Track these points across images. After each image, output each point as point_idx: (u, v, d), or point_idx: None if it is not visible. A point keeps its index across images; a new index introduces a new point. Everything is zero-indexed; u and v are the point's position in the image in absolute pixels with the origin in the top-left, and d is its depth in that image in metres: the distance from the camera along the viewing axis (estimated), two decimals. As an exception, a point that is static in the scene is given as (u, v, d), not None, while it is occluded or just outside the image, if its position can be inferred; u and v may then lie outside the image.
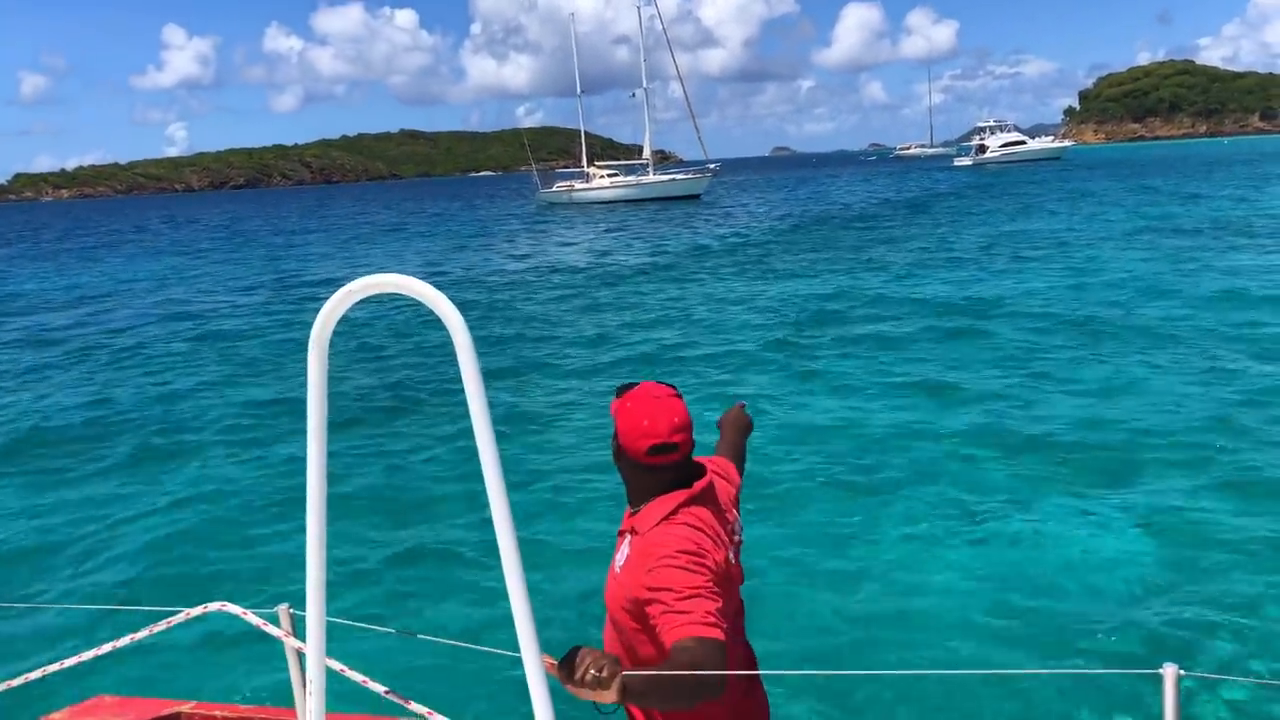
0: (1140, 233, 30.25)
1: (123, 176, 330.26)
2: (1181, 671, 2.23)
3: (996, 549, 7.40)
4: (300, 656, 3.13)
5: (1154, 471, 8.84)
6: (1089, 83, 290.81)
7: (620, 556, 2.49)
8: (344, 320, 1.66)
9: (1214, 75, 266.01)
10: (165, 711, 3.86)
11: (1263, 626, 5.94)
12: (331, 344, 1.68)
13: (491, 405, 1.64)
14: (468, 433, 1.68)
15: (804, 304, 20.10)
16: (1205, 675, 5.26)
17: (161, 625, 3.33)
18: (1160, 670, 2.22)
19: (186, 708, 3.91)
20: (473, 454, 1.62)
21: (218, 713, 3.89)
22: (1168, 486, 8.44)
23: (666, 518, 2.41)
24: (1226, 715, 5.15)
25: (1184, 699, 2.22)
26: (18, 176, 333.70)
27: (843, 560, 7.32)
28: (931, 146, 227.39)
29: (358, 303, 1.64)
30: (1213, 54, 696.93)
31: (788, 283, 23.75)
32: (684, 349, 16.14)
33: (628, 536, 2.50)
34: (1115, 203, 44.20)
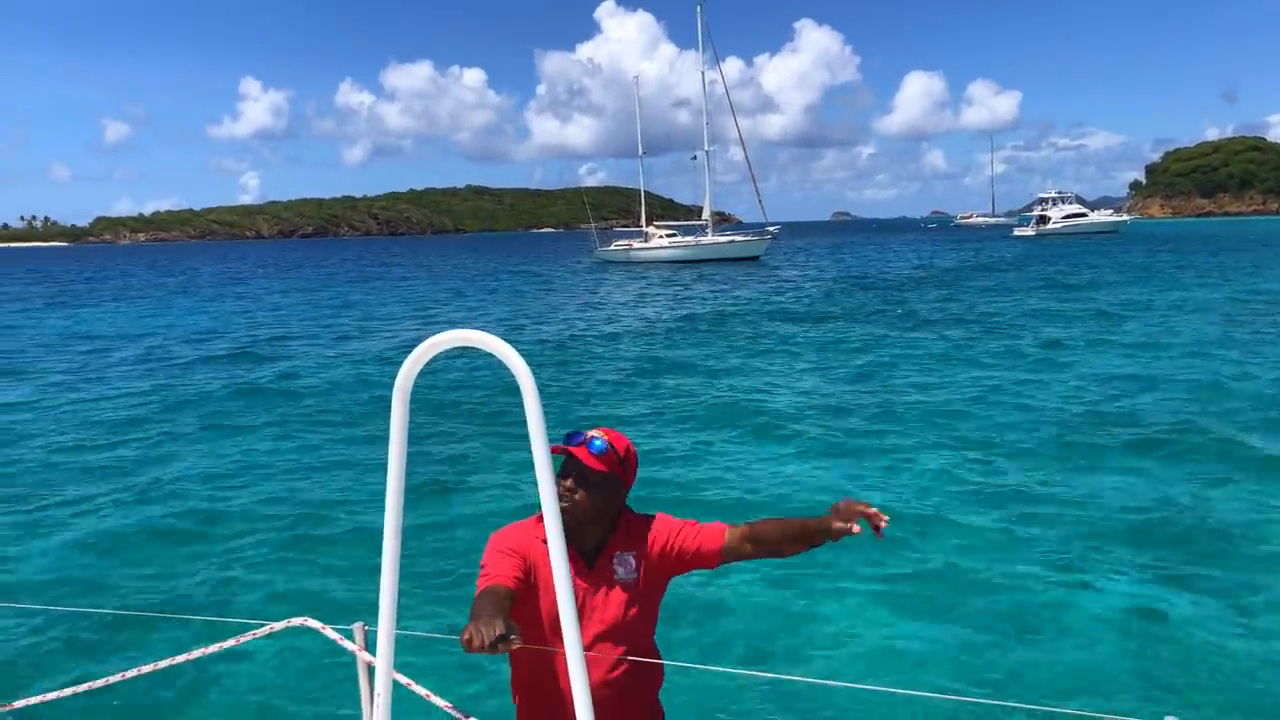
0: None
1: (196, 222, 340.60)
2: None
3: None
4: (370, 671, 3.33)
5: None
6: (1155, 157, 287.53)
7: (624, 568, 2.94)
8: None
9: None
10: None
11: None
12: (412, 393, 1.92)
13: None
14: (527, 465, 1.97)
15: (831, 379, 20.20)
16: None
17: (247, 637, 3.60)
18: None
19: None
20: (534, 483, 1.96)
21: None
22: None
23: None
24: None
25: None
26: (98, 220, 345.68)
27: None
28: (993, 216, 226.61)
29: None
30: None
31: (824, 354, 23.26)
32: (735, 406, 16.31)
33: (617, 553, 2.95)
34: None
